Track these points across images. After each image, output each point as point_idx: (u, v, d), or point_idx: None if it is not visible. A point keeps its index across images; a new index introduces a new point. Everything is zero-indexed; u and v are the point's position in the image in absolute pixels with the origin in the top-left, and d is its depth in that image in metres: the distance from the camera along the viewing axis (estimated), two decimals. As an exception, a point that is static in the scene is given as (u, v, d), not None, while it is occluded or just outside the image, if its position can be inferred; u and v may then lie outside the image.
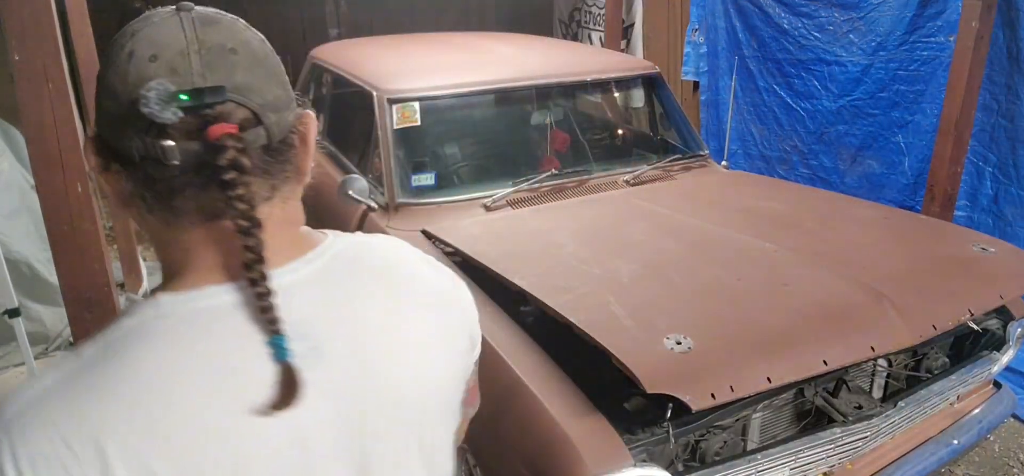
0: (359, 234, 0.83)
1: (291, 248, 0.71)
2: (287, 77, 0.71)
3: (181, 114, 0.60)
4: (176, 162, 0.61)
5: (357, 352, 0.71)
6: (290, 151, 0.69)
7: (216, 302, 0.66)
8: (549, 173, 2.74)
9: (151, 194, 0.64)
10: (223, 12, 0.67)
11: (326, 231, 0.78)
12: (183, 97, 0.60)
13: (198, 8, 0.66)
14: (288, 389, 0.64)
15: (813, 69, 4.06)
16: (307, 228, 0.76)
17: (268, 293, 0.64)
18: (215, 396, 0.63)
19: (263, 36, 0.69)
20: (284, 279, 0.67)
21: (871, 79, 3.76)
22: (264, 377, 0.64)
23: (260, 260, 0.64)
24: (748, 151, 4.65)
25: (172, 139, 0.60)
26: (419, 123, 2.71)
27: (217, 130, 0.60)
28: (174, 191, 0.63)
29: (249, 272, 0.64)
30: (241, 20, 0.68)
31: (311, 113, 0.73)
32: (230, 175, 0.61)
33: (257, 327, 0.65)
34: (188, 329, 0.65)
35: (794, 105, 4.24)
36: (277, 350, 0.64)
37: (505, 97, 2.99)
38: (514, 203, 2.59)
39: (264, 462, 0.65)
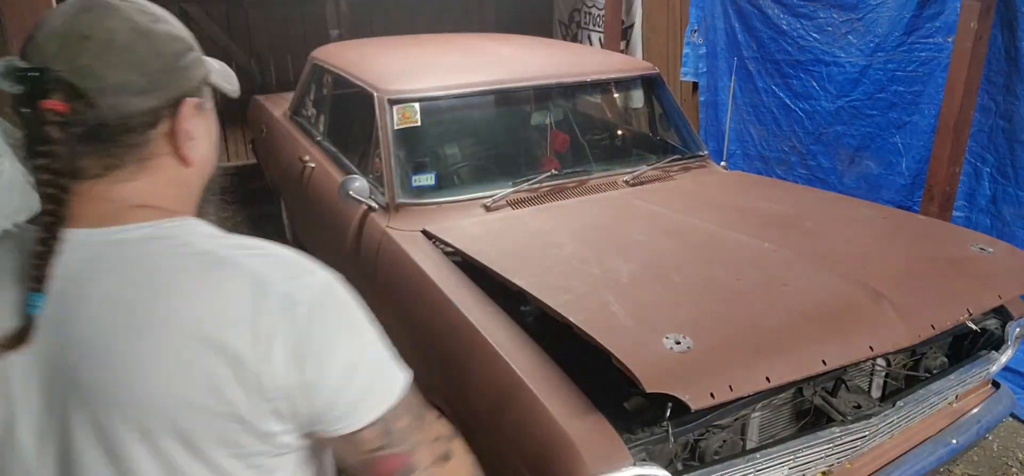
0: (214, 233, 0.81)
1: (96, 219, 0.76)
2: (165, 65, 0.77)
3: (19, 87, 0.70)
4: (28, 129, 0.72)
5: (86, 334, 0.73)
6: (138, 135, 0.76)
7: (19, 237, 0.79)
8: (549, 173, 2.75)
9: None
10: (110, 4, 0.75)
11: (172, 219, 0.80)
12: (19, 73, 0.70)
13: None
14: (15, 339, 0.71)
15: (812, 70, 4.07)
16: (151, 210, 0.79)
17: (48, 253, 0.72)
18: None
19: (146, 28, 0.75)
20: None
21: (869, 80, 3.77)
22: (2, 318, 0.72)
23: (55, 223, 0.72)
24: (747, 152, 4.66)
25: (27, 107, 0.71)
26: (419, 124, 2.71)
27: (45, 104, 0.70)
28: (28, 150, 0.74)
29: (42, 232, 0.72)
30: (126, 11, 0.75)
31: (188, 101, 0.79)
32: (39, 146, 0.70)
33: (24, 277, 0.72)
34: None
35: (792, 106, 4.24)
36: (29, 303, 0.71)
37: (505, 98, 3.00)
38: (514, 203, 2.59)
39: None
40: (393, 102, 2.69)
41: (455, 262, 2.24)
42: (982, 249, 2.17)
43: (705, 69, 4.97)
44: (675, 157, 3.03)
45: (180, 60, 0.79)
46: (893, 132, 3.70)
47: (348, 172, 2.93)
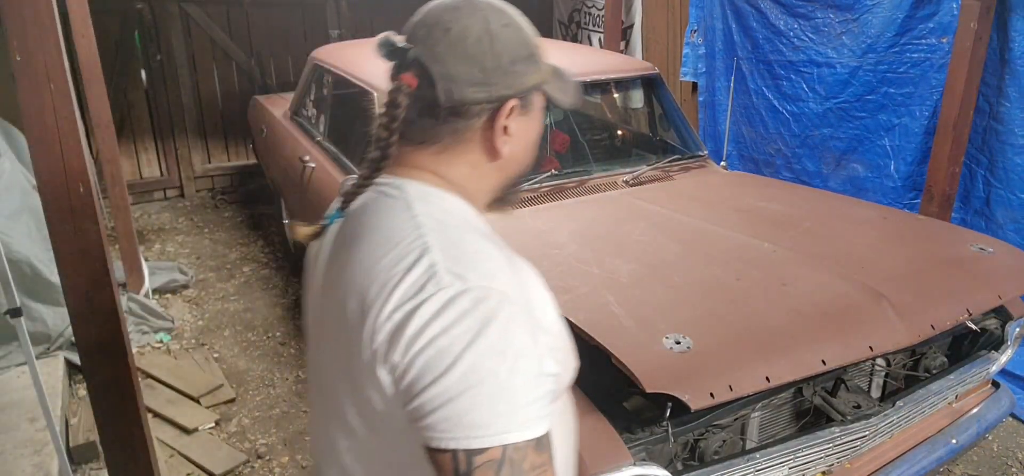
0: (432, 201, 0.86)
1: (393, 168, 0.89)
2: (500, 65, 0.84)
3: (389, 57, 0.86)
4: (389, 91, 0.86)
5: (327, 255, 0.92)
6: (461, 120, 0.85)
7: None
8: (549, 173, 2.75)
9: None
10: (476, 3, 0.86)
11: (439, 189, 0.88)
12: (391, 47, 0.85)
13: None
14: (309, 234, 0.93)
15: (803, 71, 4.04)
16: (435, 178, 0.88)
17: (361, 187, 0.88)
18: None
19: (495, 30, 0.84)
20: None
21: (859, 82, 3.73)
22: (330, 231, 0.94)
23: (374, 168, 0.86)
24: (741, 153, 4.65)
25: (393, 74, 0.86)
26: (419, 124, 2.71)
27: (402, 76, 0.84)
28: (384, 107, 0.87)
29: (364, 170, 0.88)
30: (486, 12, 0.85)
31: (511, 101, 0.86)
32: (388, 107, 0.84)
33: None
34: None
35: (780, 107, 4.22)
36: (328, 215, 0.93)
37: (505, 98, 2.99)
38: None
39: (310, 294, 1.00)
40: (393, 102, 2.69)
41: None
42: (982, 249, 2.17)
43: (704, 69, 4.96)
44: (675, 157, 3.03)
45: (515, 64, 0.86)
46: (882, 135, 3.67)
47: (348, 172, 2.93)
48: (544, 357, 0.75)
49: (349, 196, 0.90)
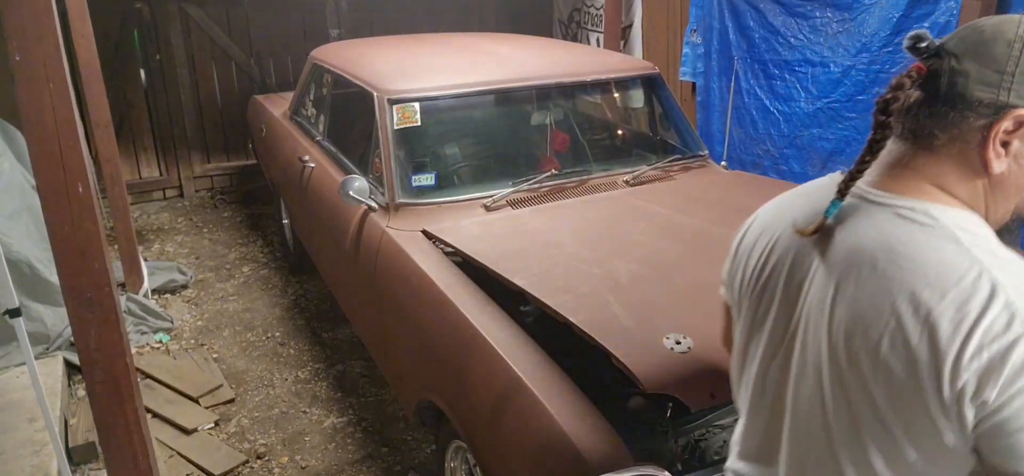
0: (974, 231, 0.82)
1: (886, 171, 0.88)
2: (1010, 67, 0.79)
3: (910, 53, 0.86)
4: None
5: (821, 263, 0.91)
6: (957, 116, 0.81)
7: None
8: (549, 173, 2.75)
9: None
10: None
11: (946, 207, 0.83)
12: (915, 39, 0.86)
13: None
14: (809, 230, 0.91)
15: (797, 70, 3.99)
16: (932, 191, 0.85)
17: (855, 176, 0.89)
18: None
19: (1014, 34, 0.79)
20: (862, 186, 0.89)
21: (850, 81, 3.70)
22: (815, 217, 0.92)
23: (866, 155, 0.88)
24: (730, 154, 4.62)
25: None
26: (419, 123, 2.71)
27: (916, 65, 0.85)
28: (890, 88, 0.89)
29: (861, 156, 0.88)
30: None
31: (1016, 112, 0.79)
32: (892, 88, 0.86)
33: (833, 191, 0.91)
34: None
35: (771, 107, 4.18)
36: (829, 207, 0.90)
37: (505, 98, 3.00)
38: (514, 203, 2.59)
39: None
40: (393, 102, 2.69)
41: (455, 262, 2.24)
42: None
43: (702, 69, 4.95)
44: (675, 157, 3.03)
45: None
46: (872, 136, 3.65)
47: (348, 172, 2.93)
48: None
49: (843, 185, 0.89)
